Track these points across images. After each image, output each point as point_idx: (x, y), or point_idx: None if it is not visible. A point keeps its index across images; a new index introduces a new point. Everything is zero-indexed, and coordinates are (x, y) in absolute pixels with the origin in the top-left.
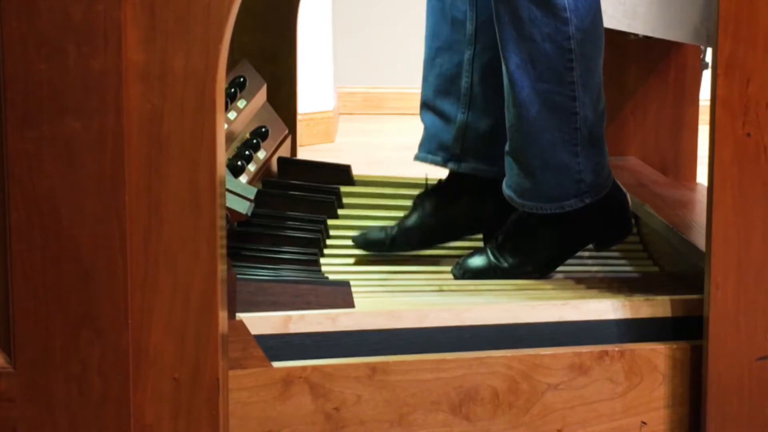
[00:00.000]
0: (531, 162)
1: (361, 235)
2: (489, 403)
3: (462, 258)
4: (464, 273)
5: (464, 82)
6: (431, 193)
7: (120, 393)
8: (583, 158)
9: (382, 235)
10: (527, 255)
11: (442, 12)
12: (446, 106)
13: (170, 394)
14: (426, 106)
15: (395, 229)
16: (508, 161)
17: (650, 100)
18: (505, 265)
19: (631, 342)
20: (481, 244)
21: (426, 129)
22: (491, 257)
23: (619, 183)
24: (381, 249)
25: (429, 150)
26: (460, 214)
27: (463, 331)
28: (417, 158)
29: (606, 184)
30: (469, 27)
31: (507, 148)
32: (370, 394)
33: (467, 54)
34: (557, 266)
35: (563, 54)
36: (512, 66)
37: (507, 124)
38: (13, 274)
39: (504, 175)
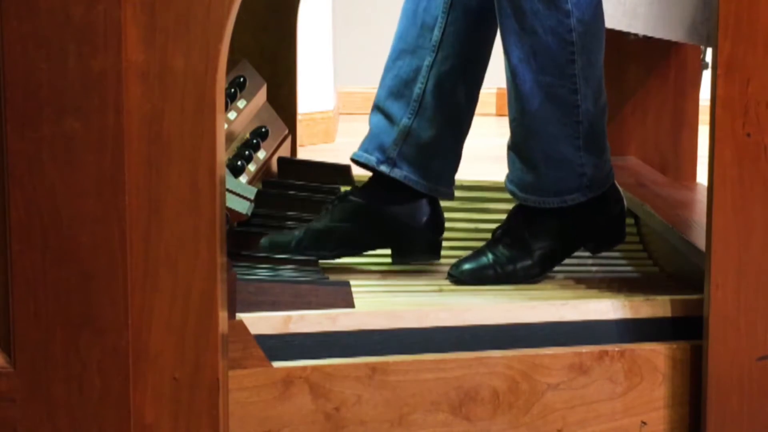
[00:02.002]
0: (533, 156)
1: (267, 239)
2: (489, 403)
3: (458, 260)
4: (462, 272)
5: (417, 87)
6: (346, 196)
7: (120, 393)
8: (585, 152)
9: (286, 238)
10: (527, 249)
11: (414, 15)
12: (395, 108)
13: (170, 394)
14: (377, 107)
15: (302, 232)
16: (510, 156)
17: (650, 100)
18: (504, 259)
19: (631, 342)
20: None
21: (370, 129)
22: (489, 254)
23: (618, 187)
24: (285, 251)
25: (366, 149)
26: (376, 222)
27: (463, 331)
28: (353, 156)
29: (608, 180)
30: (437, 33)
31: (509, 142)
32: (370, 394)
33: (427, 60)
34: (556, 263)
35: (565, 46)
36: (514, 59)
37: (509, 118)
38: (13, 274)
39: (434, 192)
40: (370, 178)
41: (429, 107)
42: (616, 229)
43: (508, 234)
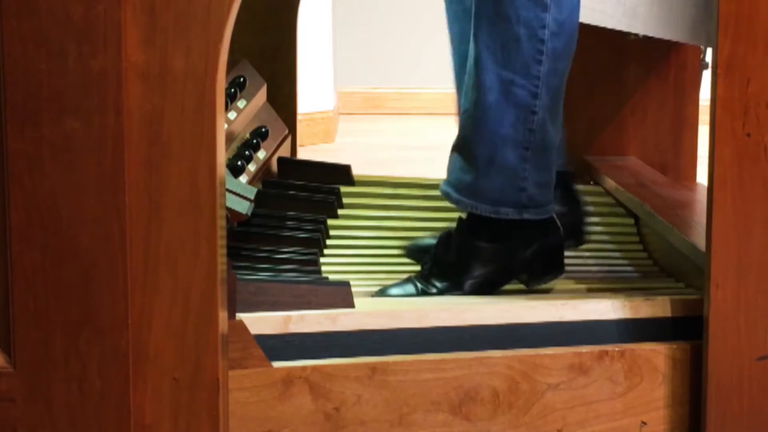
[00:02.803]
0: (477, 154)
1: (413, 243)
2: (489, 403)
3: (383, 288)
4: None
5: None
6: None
7: (120, 393)
8: (531, 166)
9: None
10: (456, 276)
11: (466, 14)
12: None
13: (170, 394)
14: None
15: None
16: (452, 157)
17: (650, 100)
18: (434, 291)
19: (631, 342)
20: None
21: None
22: (419, 285)
23: (557, 221)
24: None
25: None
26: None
27: (463, 331)
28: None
29: (547, 209)
30: None
31: (454, 142)
32: (370, 394)
33: None
34: (490, 290)
35: (534, 44)
36: (481, 45)
37: (461, 110)
38: (13, 274)
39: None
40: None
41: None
42: (552, 262)
43: (436, 264)
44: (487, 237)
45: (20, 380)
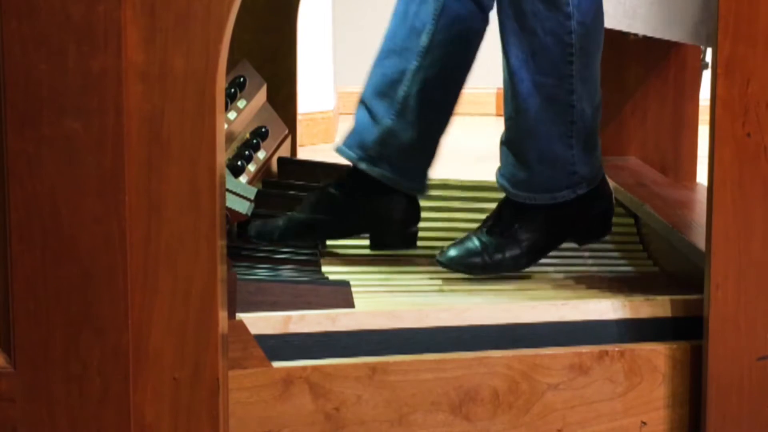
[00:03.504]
0: (527, 154)
1: (253, 227)
2: (489, 403)
3: (446, 246)
4: (450, 260)
5: (402, 90)
6: (326, 188)
7: (120, 393)
8: (578, 151)
9: (269, 227)
10: (515, 239)
11: (405, 17)
12: (379, 107)
13: (170, 394)
14: (363, 102)
15: (284, 222)
16: (503, 151)
17: (650, 100)
18: (493, 248)
19: (631, 342)
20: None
21: (355, 124)
22: (476, 242)
23: (607, 180)
24: (270, 241)
25: (349, 145)
26: (353, 213)
27: (463, 331)
28: (336, 149)
29: (598, 176)
30: (425, 39)
31: (503, 138)
32: (370, 394)
33: (413, 64)
34: (545, 254)
35: (564, 48)
36: (513, 59)
37: (505, 116)
38: (13, 274)
39: (410, 190)
40: (350, 171)
41: (411, 110)
42: (602, 223)
43: (498, 224)
44: (543, 209)
45: (20, 380)
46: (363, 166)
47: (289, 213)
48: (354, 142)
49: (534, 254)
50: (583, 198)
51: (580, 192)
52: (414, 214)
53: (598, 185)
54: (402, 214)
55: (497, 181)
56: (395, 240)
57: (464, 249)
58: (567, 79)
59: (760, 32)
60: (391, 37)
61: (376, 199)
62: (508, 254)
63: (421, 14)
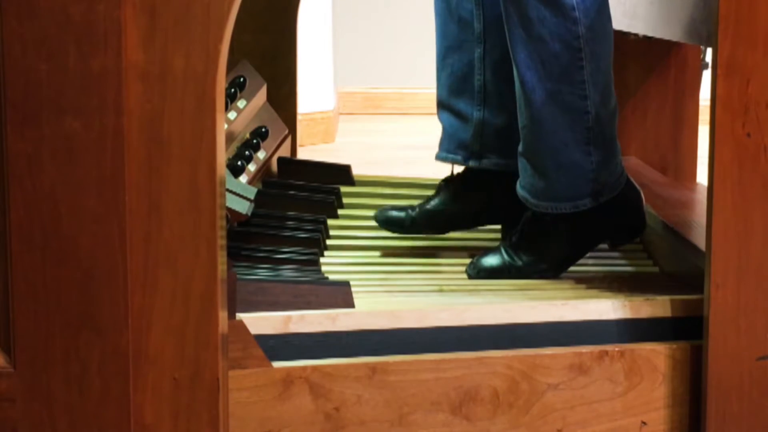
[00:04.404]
0: (544, 162)
1: (381, 212)
2: (489, 403)
3: (476, 257)
4: (479, 272)
5: (477, 80)
6: (453, 180)
7: (120, 393)
8: (596, 157)
9: (402, 215)
10: (542, 253)
11: (449, 12)
12: (461, 105)
13: (170, 394)
14: (442, 105)
15: (416, 211)
16: (521, 162)
17: (650, 100)
18: (520, 263)
19: (631, 342)
20: (489, 238)
21: (444, 128)
22: (505, 256)
23: (632, 180)
24: (399, 229)
25: (449, 149)
26: (479, 204)
27: (463, 331)
28: (438, 157)
29: (620, 182)
30: (477, 25)
31: (520, 149)
32: (370, 394)
33: (477, 52)
34: (571, 264)
35: (573, 53)
36: (522, 67)
37: (519, 125)
38: (13, 274)
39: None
40: (460, 174)
41: (493, 95)
42: (632, 224)
43: (523, 239)
44: (567, 220)
45: (20, 380)
46: (472, 164)
47: (418, 205)
48: (452, 145)
49: (560, 266)
50: (606, 205)
51: (602, 200)
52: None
53: (622, 191)
54: (513, 203)
55: (518, 193)
56: (514, 219)
57: (493, 265)
58: (579, 85)
59: (760, 32)
60: (443, 35)
61: (494, 189)
62: (534, 269)
63: (464, 3)
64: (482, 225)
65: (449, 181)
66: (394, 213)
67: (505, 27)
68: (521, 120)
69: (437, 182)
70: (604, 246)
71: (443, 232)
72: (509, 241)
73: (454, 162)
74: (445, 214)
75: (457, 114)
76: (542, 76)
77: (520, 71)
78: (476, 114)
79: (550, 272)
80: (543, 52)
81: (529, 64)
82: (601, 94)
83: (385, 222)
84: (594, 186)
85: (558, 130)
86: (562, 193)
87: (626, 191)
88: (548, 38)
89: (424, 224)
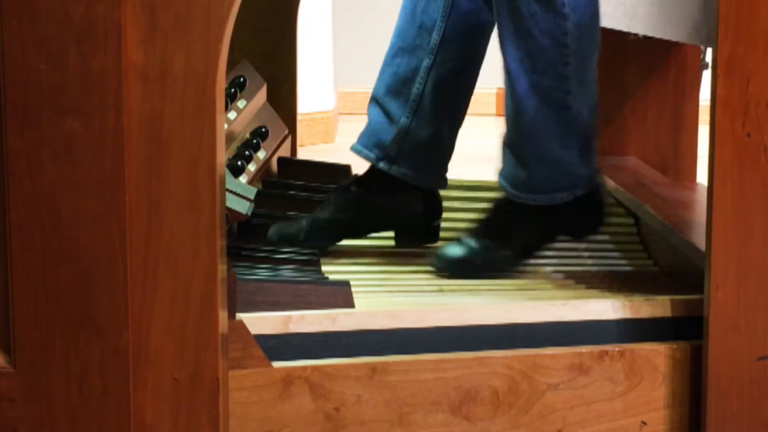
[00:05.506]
0: (526, 154)
1: (275, 230)
2: (489, 403)
3: (437, 249)
4: (447, 264)
5: (416, 88)
6: (347, 187)
7: (120, 393)
8: (575, 152)
9: (293, 229)
10: (506, 240)
11: (413, 14)
12: (393, 106)
13: (170, 394)
14: (375, 100)
15: (308, 222)
16: (504, 151)
17: (650, 100)
18: (484, 249)
19: (631, 342)
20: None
21: (369, 123)
22: (471, 243)
23: (602, 180)
24: (294, 243)
25: (366, 145)
26: (376, 211)
27: (463, 331)
28: (353, 149)
29: (595, 178)
30: (435, 36)
31: (505, 138)
32: (370, 394)
33: (426, 62)
34: (535, 254)
35: (560, 49)
36: (510, 60)
37: (505, 115)
38: (13, 274)
39: (430, 185)
40: (369, 170)
41: (426, 107)
42: (600, 217)
43: (492, 226)
44: (540, 210)
45: (20, 380)
46: (382, 165)
47: (310, 214)
48: (371, 141)
49: (527, 254)
50: (579, 198)
51: (579, 194)
52: (436, 208)
53: (596, 185)
54: (424, 209)
55: (499, 183)
56: (419, 235)
57: (457, 252)
58: (563, 81)
59: (760, 32)
60: (399, 35)
61: (397, 196)
62: (501, 255)
63: (430, 11)
64: (376, 231)
65: (341, 189)
66: (286, 229)
67: (495, 20)
68: (507, 111)
69: (354, 177)
70: (604, 246)
71: (338, 241)
72: (473, 231)
73: (366, 158)
74: (339, 223)
75: (386, 113)
76: (529, 70)
77: (507, 64)
78: (404, 120)
79: (517, 259)
80: (530, 46)
81: (517, 58)
82: (584, 90)
83: (279, 239)
84: (571, 180)
85: (541, 124)
86: (541, 185)
87: (597, 187)
88: (537, 33)
89: (317, 236)
